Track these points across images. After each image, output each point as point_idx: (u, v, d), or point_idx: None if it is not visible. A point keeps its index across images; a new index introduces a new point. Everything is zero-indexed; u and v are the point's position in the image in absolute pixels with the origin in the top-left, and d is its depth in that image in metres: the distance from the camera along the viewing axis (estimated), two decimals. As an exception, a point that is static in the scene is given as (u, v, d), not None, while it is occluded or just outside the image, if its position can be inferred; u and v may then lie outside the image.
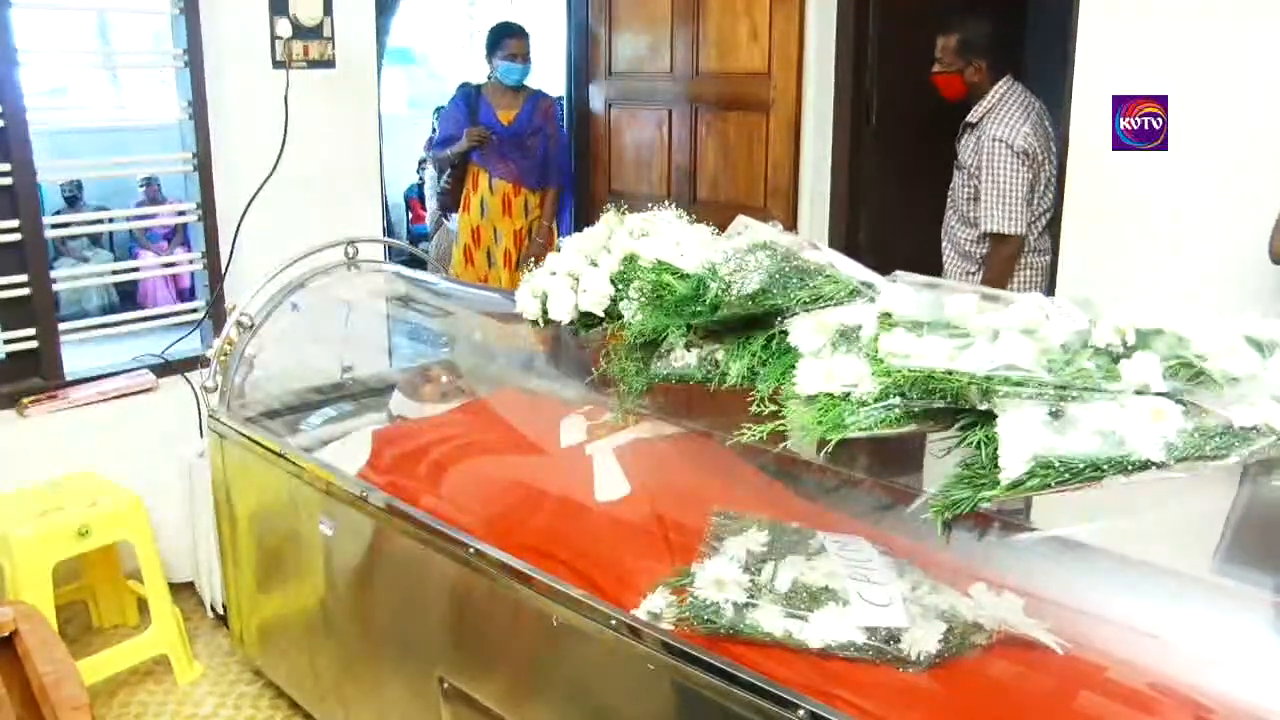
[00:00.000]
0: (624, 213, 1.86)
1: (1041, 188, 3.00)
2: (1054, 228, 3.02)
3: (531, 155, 4.08)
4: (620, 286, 1.71)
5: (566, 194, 4.36)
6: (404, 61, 9.76)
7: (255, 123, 3.01)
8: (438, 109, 6.94)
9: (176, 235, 6.79)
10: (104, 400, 2.88)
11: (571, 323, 1.80)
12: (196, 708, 2.57)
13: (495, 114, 4.07)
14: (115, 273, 5.99)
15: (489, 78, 4.16)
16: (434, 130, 5.57)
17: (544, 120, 4.12)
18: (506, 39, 4.05)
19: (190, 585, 3.02)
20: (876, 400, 1.24)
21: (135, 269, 6.26)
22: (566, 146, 4.42)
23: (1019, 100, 3.00)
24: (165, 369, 3.01)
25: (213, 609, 2.91)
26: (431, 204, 5.57)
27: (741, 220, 1.66)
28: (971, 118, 3.05)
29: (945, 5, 3.24)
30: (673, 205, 1.86)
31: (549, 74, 4.96)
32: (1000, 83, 3.02)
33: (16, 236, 2.73)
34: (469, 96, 4.12)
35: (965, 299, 1.28)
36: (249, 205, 3.01)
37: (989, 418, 1.17)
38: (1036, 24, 4.52)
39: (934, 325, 1.27)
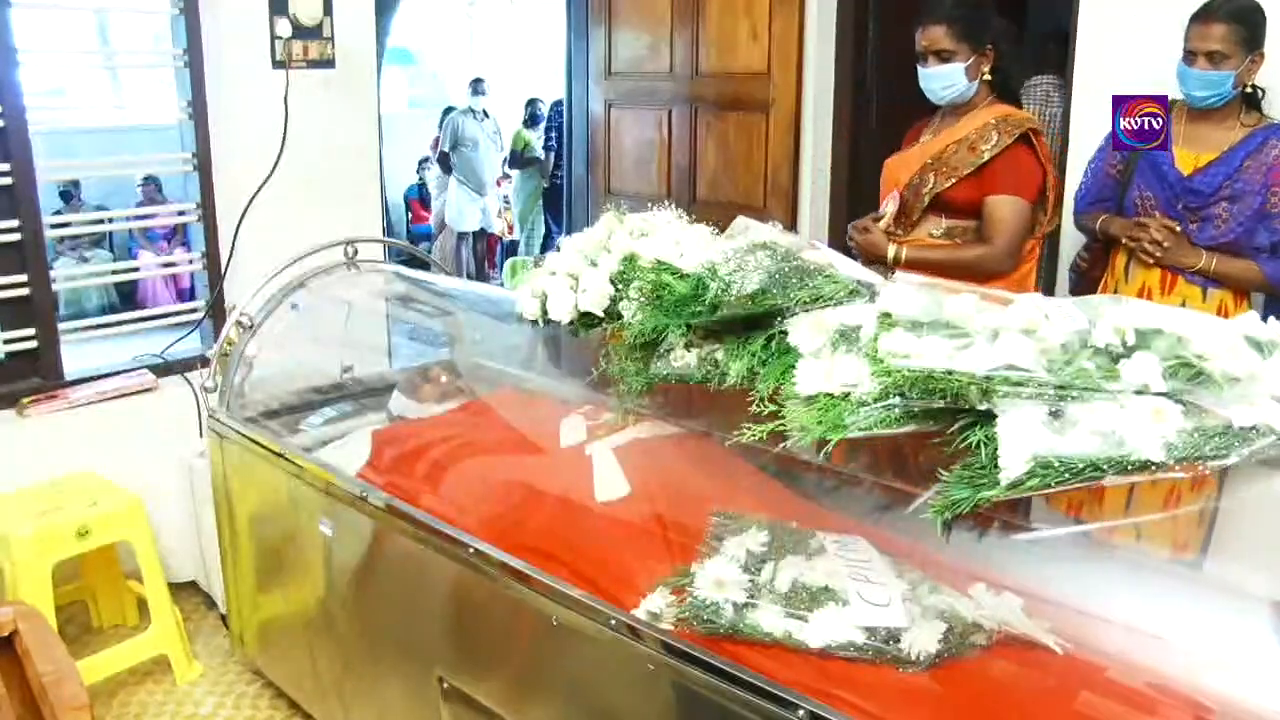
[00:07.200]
0: (624, 213, 1.87)
1: None
2: None
3: (1217, 229, 2.33)
4: (620, 286, 1.71)
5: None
6: (404, 61, 9.78)
7: (255, 123, 3.01)
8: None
9: (176, 235, 6.78)
10: (104, 400, 2.88)
11: (571, 323, 1.80)
12: (196, 708, 2.57)
13: (1174, 157, 2.38)
14: (115, 273, 5.98)
15: None
16: None
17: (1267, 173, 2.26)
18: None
19: (190, 585, 3.02)
20: (876, 400, 1.24)
21: (135, 269, 6.25)
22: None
23: None
24: (165, 369, 3.01)
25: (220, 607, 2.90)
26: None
27: (741, 220, 1.66)
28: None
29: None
30: (672, 205, 1.86)
31: (549, 74, 4.95)
32: None
33: (16, 236, 2.73)
34: None
35: (965, 299, 1.28)
36: (249, 205, 3.01)
37: (989, 418, 1.17)
38: (1037, 24, 4.51)
39: (934, 325, 1.27)
